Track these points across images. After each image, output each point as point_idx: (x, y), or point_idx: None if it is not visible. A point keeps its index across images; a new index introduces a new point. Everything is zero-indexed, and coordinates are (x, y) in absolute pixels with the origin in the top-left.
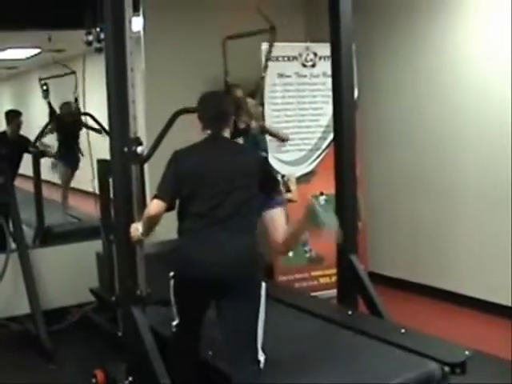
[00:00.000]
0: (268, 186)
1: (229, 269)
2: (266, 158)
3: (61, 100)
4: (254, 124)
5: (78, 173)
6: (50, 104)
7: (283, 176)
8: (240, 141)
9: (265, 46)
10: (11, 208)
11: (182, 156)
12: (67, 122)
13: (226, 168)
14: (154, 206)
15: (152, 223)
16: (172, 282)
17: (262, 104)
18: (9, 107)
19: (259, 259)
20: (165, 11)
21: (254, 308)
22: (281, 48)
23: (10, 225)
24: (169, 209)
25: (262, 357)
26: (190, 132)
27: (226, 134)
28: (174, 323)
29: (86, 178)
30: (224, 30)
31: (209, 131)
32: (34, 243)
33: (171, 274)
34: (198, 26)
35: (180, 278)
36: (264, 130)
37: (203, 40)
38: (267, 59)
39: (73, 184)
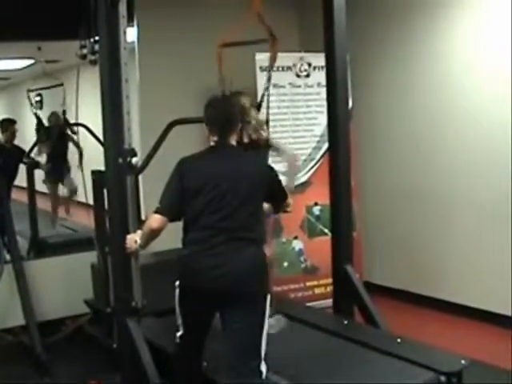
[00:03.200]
0: (276, 196)
1: (238, 280)
2: (274, 168)
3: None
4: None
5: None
6: (36, 116)
7: None
8: None
9: (259, 56)
10: (5, 219)
11: (188, 166)
12: (55, 134)
13: (234, 180)
14: (156, 220)
15: (153, 236)
16: (177, 291)
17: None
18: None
19: (267, 270)
20: (158, 20)
21: (260, 318)
22: None
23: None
24: (172, 220)
25: (264, 367)
26: (184, 142)
27: (233, 141)
28: (179, 334)
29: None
30: (220, 39)
31: (215, 138)
32: (29, 255)
33: (176, 283)
34: (192, 35)
35: (186, 287)
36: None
37: (198, 49)
38: (270, 69)
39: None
